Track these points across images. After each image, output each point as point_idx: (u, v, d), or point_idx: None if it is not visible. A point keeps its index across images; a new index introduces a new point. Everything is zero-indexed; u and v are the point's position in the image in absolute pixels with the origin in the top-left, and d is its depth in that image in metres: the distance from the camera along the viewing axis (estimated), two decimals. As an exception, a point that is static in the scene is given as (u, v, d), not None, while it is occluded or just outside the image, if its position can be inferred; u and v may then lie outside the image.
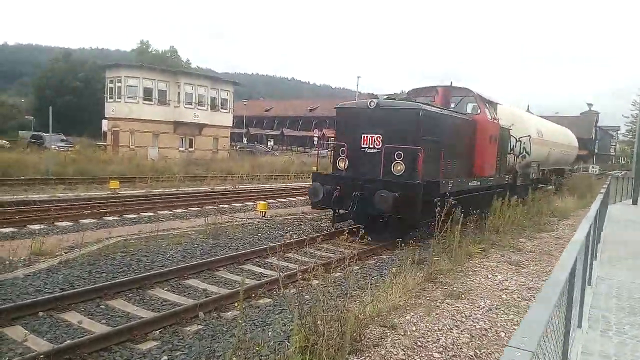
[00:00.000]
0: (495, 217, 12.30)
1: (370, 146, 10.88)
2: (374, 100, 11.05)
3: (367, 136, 10.94)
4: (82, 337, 5.27)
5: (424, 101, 12.13)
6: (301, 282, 4.84)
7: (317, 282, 5.23)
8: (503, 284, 7.73)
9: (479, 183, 13.09)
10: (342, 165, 11.37)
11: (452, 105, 13.82)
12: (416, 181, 10.21)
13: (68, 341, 5.15)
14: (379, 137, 10.71)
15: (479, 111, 13.54)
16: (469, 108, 13.99)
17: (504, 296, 7.06)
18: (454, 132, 12.18)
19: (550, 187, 23.23)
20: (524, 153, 17.71)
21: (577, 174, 37.88)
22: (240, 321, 4.59)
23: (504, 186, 15.31)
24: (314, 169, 15.59)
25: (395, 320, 5.65)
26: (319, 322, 4.68)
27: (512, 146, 16.74)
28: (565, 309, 3.42)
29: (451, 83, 14.11)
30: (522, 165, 18.22)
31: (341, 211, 11.29)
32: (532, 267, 8.99)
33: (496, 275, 8.19)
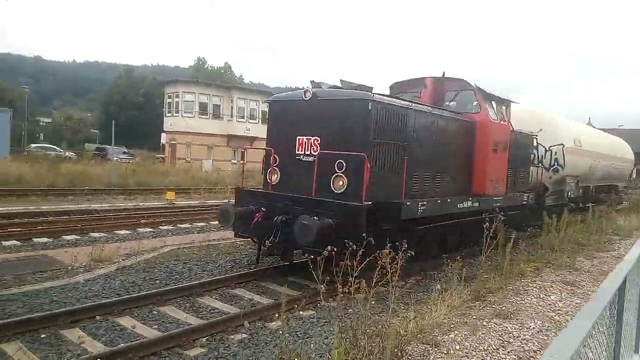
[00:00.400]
0: (550, 235, 11.81)
1: (307, 153, 8.21)
2: (310, 89, 8.25)
3: (302, 139, 8.26)
4: (134, 341, 5.55)
5: (410, 97, 9.90)
6: (342, 295, 4.88)
7: (359, 295, 5.26)
8: (556, 304, 7.43)
9: (476, 204, 10.24)
10: (272, 178, 8.72)
11: (447, 103, 10.99)
12: (357, 202, 7.41)
13: (122, 344, 5.43)
14: (316, 140, 8.11)
15: (479, 109, 10.65)
16: (474, 106, 11.01)
17: (556, 317, 6.78)
18: (434, 135, 9.35)
19: (602, 206, 20.15)
20: (556, 166, 15.02)
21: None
22: (281, 332, 4.68)
23: (522, 207, 12.45)
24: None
25: (439, 337, 5.56)
26: (359, 336, 4.70)
27: (539, 157, 14.17)
28: (615, 330, 3.30)
29: (443, 73, 11.35)
30: (555, 181, 15.34)
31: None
32: (588, 288, 8.56)
33: (549, 296, 7.88)
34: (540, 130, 14.02)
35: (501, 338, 5.78)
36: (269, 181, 8.79)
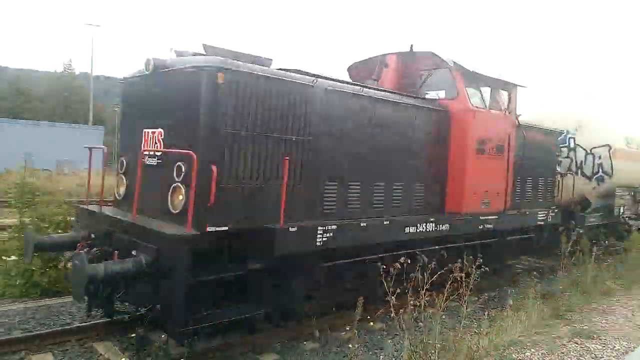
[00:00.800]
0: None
1: (152, 152, 5.71)
2: (152, 59, 5.63)
3: (148, 132, 5.76)
4: (212, 343, 5.87)
5: (370, 82, 7.68)
6: (413, 308, 4.89)
7: (431, 310, 5.23)
8: (646, 325, 6.94)
9: (444, 226, 7.44)
10: (120, 190, 6.34)
11: (422, 87, 8.38)
12: (178, 232, 4.84)
13: (200, 346, 5.77)
14: (161, 132, 5.60)
15: (455, 94, 7.82)
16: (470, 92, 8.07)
17: (645, 339, 6.34)
18: (367, 128, 6.59)
19: None
20: (600, 173, 11.87)
21: None
22: (350, 345, 4.77)
23: (540, 229, 9.69)
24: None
25: (513, 355, 5.41)
26: (430, 349, 4.68)
27: (577, 162, 11.49)
28: None
29: (411, 47, 8.45)
30: (600, 194, 12.20)
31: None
32: (684, 309, 7.91)
33: (637, 315, 7.38)
34: (580, 127, 11.55)
35: (582, 358, 5.51)
36: (117, 195, 6.41)
